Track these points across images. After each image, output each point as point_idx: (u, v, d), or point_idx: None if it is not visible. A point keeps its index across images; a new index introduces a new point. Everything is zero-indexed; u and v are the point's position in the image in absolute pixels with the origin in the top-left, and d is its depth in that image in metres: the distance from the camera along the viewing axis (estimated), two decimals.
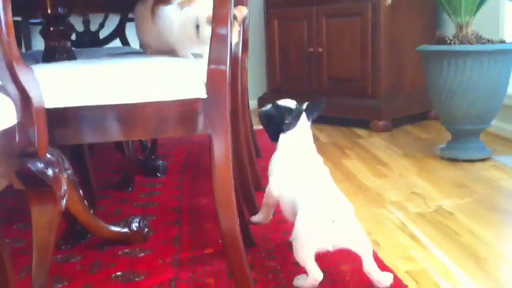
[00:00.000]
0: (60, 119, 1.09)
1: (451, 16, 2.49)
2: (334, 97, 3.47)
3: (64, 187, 1.04)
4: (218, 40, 1.16)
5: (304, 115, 1.57)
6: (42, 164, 0.98)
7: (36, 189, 1.00)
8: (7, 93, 0.93)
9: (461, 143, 2.51)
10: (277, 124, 1.56)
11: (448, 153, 2.53)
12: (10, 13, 0.88)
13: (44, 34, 1.92)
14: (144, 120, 1.14)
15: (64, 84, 1.11)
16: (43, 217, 1.04)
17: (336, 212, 1.30)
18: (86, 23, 3.37)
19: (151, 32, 1.75)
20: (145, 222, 1.68)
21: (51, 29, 1.88)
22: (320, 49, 3.52)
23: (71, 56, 1.91)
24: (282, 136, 1.56)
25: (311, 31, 3.58)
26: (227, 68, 1.17)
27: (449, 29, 3.20)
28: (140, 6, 1.79)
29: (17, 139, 0.92)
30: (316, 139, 3.09)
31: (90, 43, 3.20)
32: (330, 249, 1.30)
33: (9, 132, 0.90)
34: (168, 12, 1.62)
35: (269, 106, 1.63)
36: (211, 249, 1.58)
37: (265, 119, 1.61)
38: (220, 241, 1.61)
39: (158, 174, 2.42)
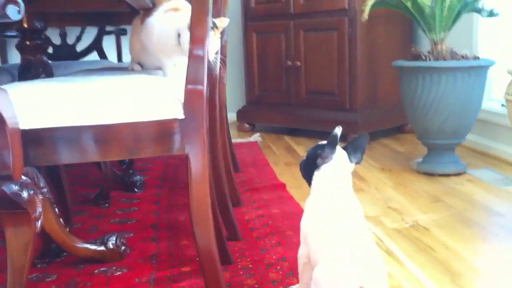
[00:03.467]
0: (35, 139, 1.08)
1: (426, 33, 2.53)
2: (311, 110, 3.50)
3: (39, 208, 1.03)
4: (195, 60, 1.17)
5: (343, 152, 1.30)
6: (16, 187, 0.97)
7: (11, 212, 0.99)
8: None
9: (436, 158, 2.55)
10: (311, 160, 1.29)
11: (424, 167, 2.56)
12: None
13: (21, 48, 1.91)
14: (121, 141, 1.14)
15: (39, 105, 1.11)
16: (18, 239, 1.03)
17: (367, 277, 1.08)
18: (63, 36, 3.36)
19: (137, 44, 1.76)
20: (121, 240, 1.67)
21: (28, 43, 1.87)
22: (298, 63, 3.55)
23: (47, 70, 1.90)
24: (315, 175, 1.28)
25: (289, 44, 3.60)
26: (204, 87, 1.17)
27: (425, 44, 3.25)
28: (136, 21, 1.81)
29: None
30: (293, 152, 3.15)
31: (67, 56, 3.19)
32: None
33: None
34: (152, 21, 1.63)
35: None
36: (188, 267, 1.57)
37: (302, 164, 1.34)
38: (197, 258, 1.61)
39: (136, 190, 2.40)
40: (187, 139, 1.17)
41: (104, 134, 1.13)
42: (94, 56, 3.26)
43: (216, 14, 1.84)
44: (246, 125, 3.96)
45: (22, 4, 0.88)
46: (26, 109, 1.08)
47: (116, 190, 2.36)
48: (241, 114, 3.99)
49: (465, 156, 2.75)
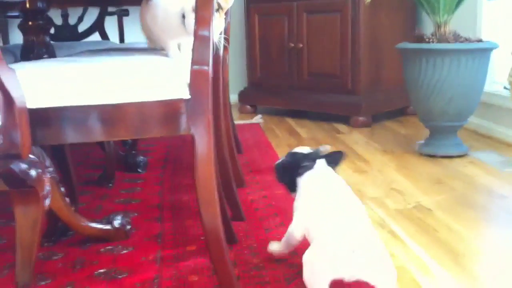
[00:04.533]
0: (42, 119, 1.08)
1: (430, 15, 2.52)
2: (314, 92, 3.50)
3: (47, 187, 1.04)
4: (200, 41, 1.17)
5: (323, 161, 1.43)
6: (25, 165, 0.98)
7: (19, 190, 1.00)
8: None
9: (439, 140, 2.55)
10: (293, 169, 1.44)
11: (426, 150, 2.57)
12: None
13: (23, 28, 1.90)
14: (127, 121, 1.14)
15: (46, 84, 1.11)
16: (27, 217, 1.04)
17: (357, 241, 1.16)
18: (65, 16, 3.34)
19: (145, 24, 1.75)
20: (127, 219, 1.69)
21: (30, 23, 1.87)
22: (301, 45, 3.54)
23: (50, 51, 1.90)
24: (300, 180, 1.43)
25: (292, 26, 3.59)
26: (209, 68, 1.17)
27: (428, 26, 3.24)
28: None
29: (0, 141, 0.92)
30: (296, 134, 3.16)
31: (68, 37, 3.18)
32: (350, 281, 1.17)
33: None
34: (156, 1, 1.63)
35: (281, 159, 1.53)
36: (193, 246, 1.59)
37: (283, 172, 1.49)
38: (202, 238, 1.63)
39: (139, 170, 2.41)
40: (192, 120, 1.17)
41: (110, 113, 1.13)
42: (96, 36, 3.25)
43: None
44: (248, 107, 3.96)
45: None
46: (33, 89, 1.08)
47: (119, 171, 2.37)
48: (242, 96, 3.99)
49: (467, 139, 2.75)
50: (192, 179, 2.23)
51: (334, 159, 1.45)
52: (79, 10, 3.47)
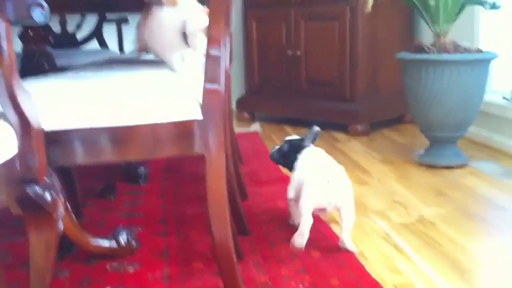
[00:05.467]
0: (55, 141, 1.08)
1: (430, 25, 2.53)
2: (312, 100, 3.51)
3: (61, 209, 1.04)
4: (212, 60, 1.17)
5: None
6: (40, 189, 0.97)
7: (34, 213, 0.99)
8: (6, 119, 0.92)
9: (439, 150, 2.56)
10: (294, 150, 1.87)
11: (426, 160, 2.58)
12: (12, 42, 0.87)
13: (23, 38, 1.89)
14: (139, 142, 1.14)
15: (58, 106, 1.11)
16: (41, 241, 1.03)
17: (331, 174, 1.65)
18: (63, 24, 3.33)
19: (143, 36, 1.75)
20: (132, 235, 1.68)
21: (30, 33, 1.86)
22: (299, 52, 3.54)
23: (50, 61, 1.89)
24: (300, 156, 1.83)
25: (290, 33, 3.60)
26: (222, 87, 1.17)
27: (425, 33, 3.26)
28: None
29: (18, 166, 0.91)
30: None
31: (67, 45, 3.16)
32: (327, 206, 1.64)
33: (10, 160, 0.89)
34: (154, 18, 1.63)
35: (277, 147, 1.94)
36: (200, 264, 1.58)
37: (284, 156, 1.91)
38: (208, 254, 1.63)
39: (140, 182, 2.41)
40: (205, 139, 1.17)
41: (123, 135, 1.13)
42: (94, 44, 3.24)
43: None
44: (246, 114, 3.96)
45: (47, 7, 0.87)
46: (46, 110, 1.08)
47: (121, 182, 2.36)
48: (240, 103, 3.99)
49: (467, 148, 2.77)
50: (194, 192, 2.24)
51: (313, 135, 1.90)
52: (78, 18, 3.46)
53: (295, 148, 1.87)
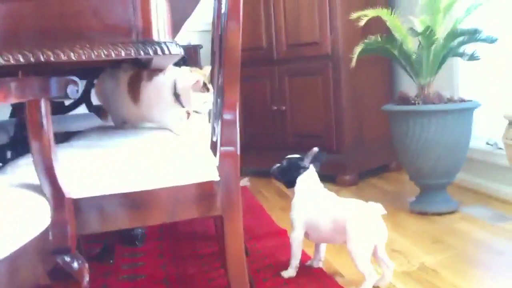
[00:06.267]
0: (79, 209, 1.09)
1: (413, 78, 2.63)
2: (299, 152, 3.55)
3: (87, 277, 1.04)
4: (227, 124, 1.21)
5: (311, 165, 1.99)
6: (68, 258, 0.98)
7: (62, 283, 1.00)
8: (39, 191, 0.94)
9: (429, 197, 2.62)
10: (295, 170, 1.96)
11: (417, 207, 2.63)
12: (50, 119, 0.90)
13: (17, 106, 1.92)
14: (160, 205, 1.16)
15: (79, 175, 1.12)
16: None
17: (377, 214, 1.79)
18: None
19: (130, 108, 1.78)
20: None
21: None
22: (284, 107, 3.62)
23: None
24: (299, 179, 1.94)
25: (274, 89, 3.68)
26: (237, 150, 1.21)
27: (404, 86, 3.37)
28: (111, 82, 1.83)
29: (51, 237, 0.92)
30: (285, 196, 3.17)
31: (55, 111, 3.17)
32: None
33: (44, 232, 0.90)
34: (148, 88, 1.68)
35: (277, 165, 2.01)
36: None
37: (282, 173, 1.99)
38: None
39: (137, 243, 2.39)
40: (223, 200, 1.20)
41: (143, 199, 1.15)
42: (82, 109, 3.25)
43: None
44: None
45: (80, 83, 0.91)
46: (72, 179, 1.09)
47: (117, 244, 2.34)
48: None
49: (456, 194, 2.83)
50: (192, 251, 2.24)
51: (319, 158, 1.98)
52: None
53: (293, 166, 1.96)
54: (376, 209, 1.79)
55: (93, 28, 0.96)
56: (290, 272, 1.89)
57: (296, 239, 1.88)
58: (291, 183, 1.96)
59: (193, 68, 1.87)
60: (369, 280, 1.72)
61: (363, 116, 3.49)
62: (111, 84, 1.86)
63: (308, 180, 1.94)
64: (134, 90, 1.74)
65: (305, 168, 1.95)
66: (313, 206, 1.89)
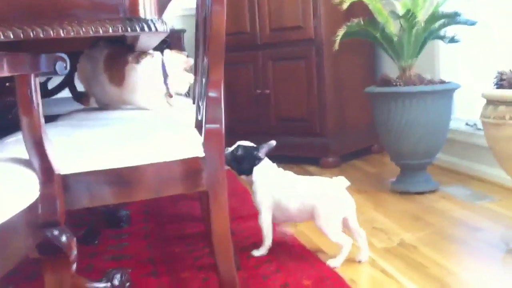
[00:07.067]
0: (68, 185, 1.11)
1: (395, 60, 2.67)
2: (283, 136, 3.58)
3: (75, 251, 1.06)
4: (213, 102, 1.23)
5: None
6: (57, 231, 1.00)
7: (51, 256, 1.02)
8: (28, 165, 0.96)
9: (410, 177, 2.67)
10: (251, 160, 1.96)
11: (399, 187, 2.68)
12: (38, 93, 0.92)
13: (0, 90, 1.92)
14: (147, 181, 1.18)
15: (68, 152, 1.14)
16: (56, 283, 1.05)
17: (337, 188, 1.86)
18: None
19: (113, 92, 1.80)
20: (126, 276, 1.69)
21: (7, 84, 1.89)
22: (267, 91, 3.64)
23: None
24: (255, 168, 1.96)
25: (258, 74, 3.70)
26: (222, 127, 1.23)
27: (387, 66, 3.41)
28: (90, 63, 1.85)
29: (40, 211, 0.94)
30: None
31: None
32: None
33: (33, 205, 0.92)
34: (137, 70, 1.70)
35: (230, 149, 1.99)
36: None
37: (236, 160, 1.97)
38: None
39: (122, 224, 2.41)
40: (208, 176, 1.22)
41: (129, 175, 1.17)
42: (66, 93, 3.25)
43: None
44: None
45: (68, 60, 0.93)
46: (61, 156, 1.11)
47: (102, 227, 2.36)
48: None
49: (436, 174, 2.88)
50: (177, 232, 2.27)
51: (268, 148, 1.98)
52: None
53: (249, 156, 1.97)
54: (340, 183, 1.86)
55: (81, 6, 0.97)
56: (262, 251, 1.96)
57: (265, 221, 1.94)
58: (245, 172, 1.98)
59: (175, 51, 1.90)
60: (346, 247, 1.81)
61: (346, 99, 3.53)
62: (90, 65, 1.87)
63: (266, 166, 1.98)
64: (118, 72, 1.76)
65: (261, 160, 1.97)
66: (277, 188, 1.92)
